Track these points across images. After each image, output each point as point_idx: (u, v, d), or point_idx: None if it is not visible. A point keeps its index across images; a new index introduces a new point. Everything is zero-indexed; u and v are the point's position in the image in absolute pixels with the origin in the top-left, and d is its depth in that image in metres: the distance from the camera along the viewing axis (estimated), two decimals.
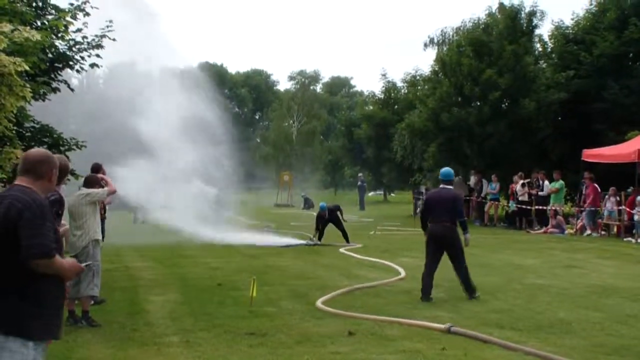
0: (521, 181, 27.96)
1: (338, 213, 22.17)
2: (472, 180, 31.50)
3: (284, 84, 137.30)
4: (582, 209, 25.53)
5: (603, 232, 24.63)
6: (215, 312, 10.59)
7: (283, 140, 66.49)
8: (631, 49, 31.07)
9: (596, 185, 24.89)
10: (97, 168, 11.99)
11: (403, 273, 14.63)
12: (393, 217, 37.38)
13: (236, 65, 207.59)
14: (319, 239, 21.91)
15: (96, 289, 10.30)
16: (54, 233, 4.59)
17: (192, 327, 9.59)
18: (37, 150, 5.02)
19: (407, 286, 13.15)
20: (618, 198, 23.99)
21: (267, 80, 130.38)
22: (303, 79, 74.88)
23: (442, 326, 9.35)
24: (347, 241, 21.58)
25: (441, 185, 12.63)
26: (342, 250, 19.46)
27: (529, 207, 27.42)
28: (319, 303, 11.15)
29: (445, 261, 12.05)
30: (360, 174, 52.10)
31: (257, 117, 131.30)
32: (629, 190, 23.80)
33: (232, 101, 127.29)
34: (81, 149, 15.81)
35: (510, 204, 29.35)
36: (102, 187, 10.69)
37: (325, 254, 18.92)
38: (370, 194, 57.43)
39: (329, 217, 22.02)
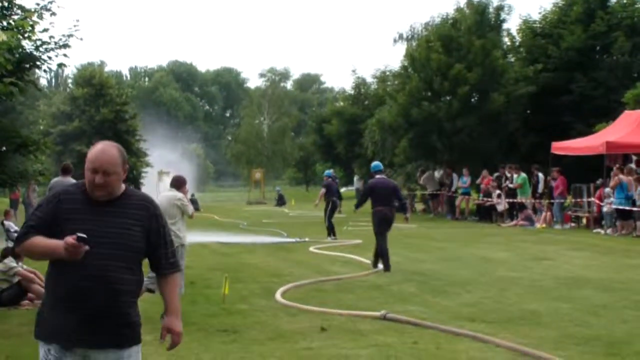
0: (497, 191, 27.67)
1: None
2: (437, 174, 31.76)
3: (254, 82, 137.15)
4: (543, 201, 25.85)
5: (573, 224, 24.90)
6: (187, 311, 10.52)
7: (254, 137, 66.33)
8: (598, 42, 31.47)
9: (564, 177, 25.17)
10: (182, 181, 11.31)
11: (380, 266, 14.73)
12: (365, 212, 37.34)
13: (206, 64, 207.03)
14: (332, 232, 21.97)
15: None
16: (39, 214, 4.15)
17: None
18: None
19: (379, 281, 13.21)
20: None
21: (237, 78, 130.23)
22: (273, 76, 74.54)
23: (377, 314, 9.79)
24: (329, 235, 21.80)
25: (378, 176, 15.35)
26: (312, 249, 19.23)
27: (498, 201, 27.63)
28: (277, 295, 11.41)
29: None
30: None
31: (227, 114, 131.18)
32: (598, 182, 24.02)
33: (202, 99, 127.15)
34: (50, 149, 15.68)
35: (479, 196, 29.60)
36: (186, 190, 11.13)
37: (298, 251, 18.94)
38: (342, 189, 57.30)
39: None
